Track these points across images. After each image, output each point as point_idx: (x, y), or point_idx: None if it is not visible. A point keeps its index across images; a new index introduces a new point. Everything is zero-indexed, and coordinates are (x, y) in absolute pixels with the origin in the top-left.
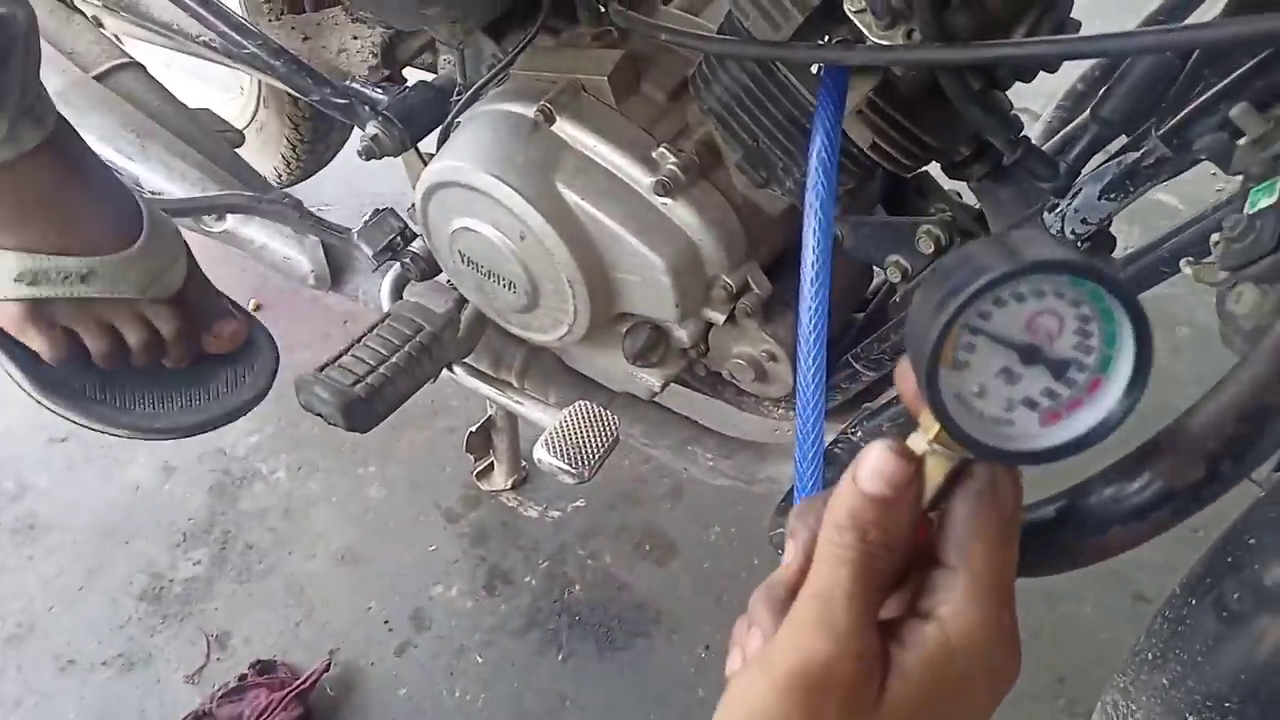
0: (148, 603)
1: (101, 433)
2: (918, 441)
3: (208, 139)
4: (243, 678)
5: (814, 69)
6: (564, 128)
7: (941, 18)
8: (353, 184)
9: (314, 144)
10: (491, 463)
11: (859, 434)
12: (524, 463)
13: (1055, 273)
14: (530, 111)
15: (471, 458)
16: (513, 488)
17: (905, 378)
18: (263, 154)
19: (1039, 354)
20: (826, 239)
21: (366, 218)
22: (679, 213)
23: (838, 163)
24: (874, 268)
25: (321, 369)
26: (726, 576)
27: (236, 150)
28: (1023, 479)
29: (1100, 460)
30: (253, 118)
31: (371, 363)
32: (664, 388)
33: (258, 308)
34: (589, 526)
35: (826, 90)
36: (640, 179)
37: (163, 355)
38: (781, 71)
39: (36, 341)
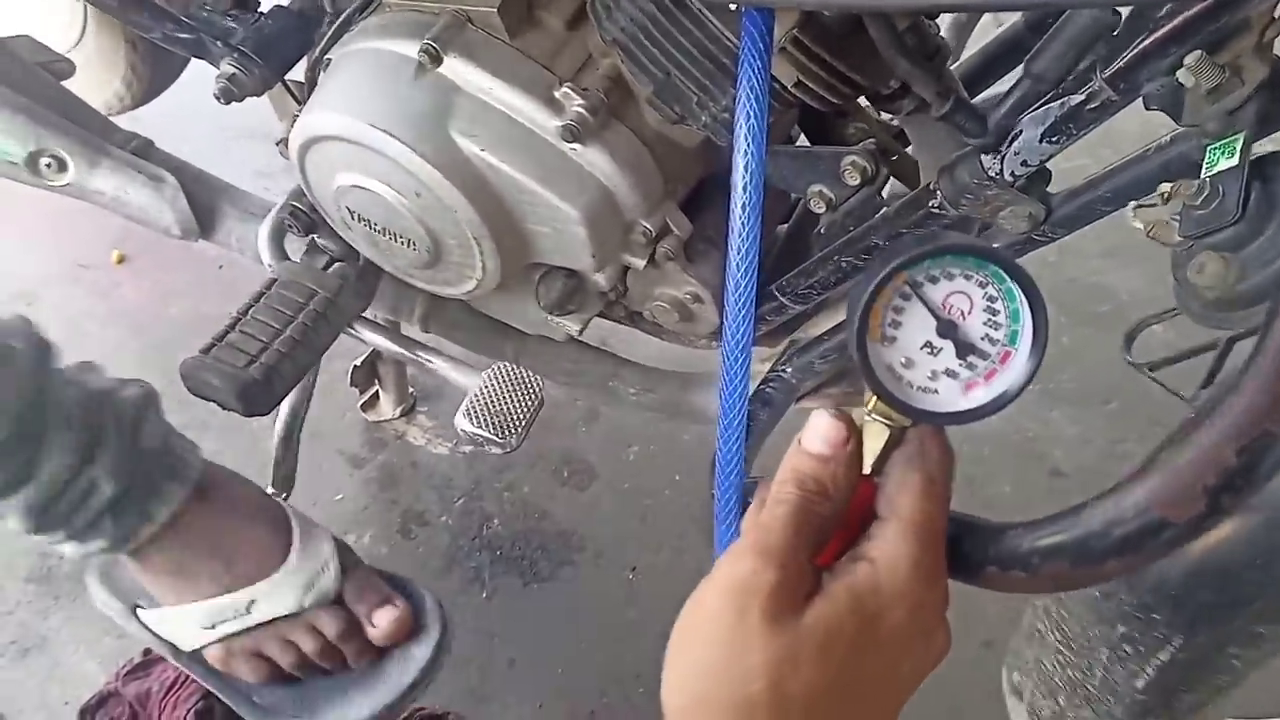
0: (36, 584)
1: None
2: (859, 413)
3: (31, 75)
4: (147, 652)
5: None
6: (453, 68)
7: None
8: (219, 119)
9: (160, 60)
10: (377, 392)
11: (789, 370)
12: (411, 389)
13: (962, 254)
14: (413, 51)
15: (358, 391)
16: (401, 415)
17: None
18: (97, 77)
19: (954, 329)
20: (756, 207)
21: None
22: (590, 158)
23: (767, 111)
24: None
25: (208, 349)
26: (649, 495)
27: (65, 83)
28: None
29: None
30: (82, 33)
31: (264, 339)
32: (582, 330)
33: (121, 259)
34: (503, 458)
35: (750, 33)
36: (545, 123)
37: (342, 657)
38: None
39: (243, 672)
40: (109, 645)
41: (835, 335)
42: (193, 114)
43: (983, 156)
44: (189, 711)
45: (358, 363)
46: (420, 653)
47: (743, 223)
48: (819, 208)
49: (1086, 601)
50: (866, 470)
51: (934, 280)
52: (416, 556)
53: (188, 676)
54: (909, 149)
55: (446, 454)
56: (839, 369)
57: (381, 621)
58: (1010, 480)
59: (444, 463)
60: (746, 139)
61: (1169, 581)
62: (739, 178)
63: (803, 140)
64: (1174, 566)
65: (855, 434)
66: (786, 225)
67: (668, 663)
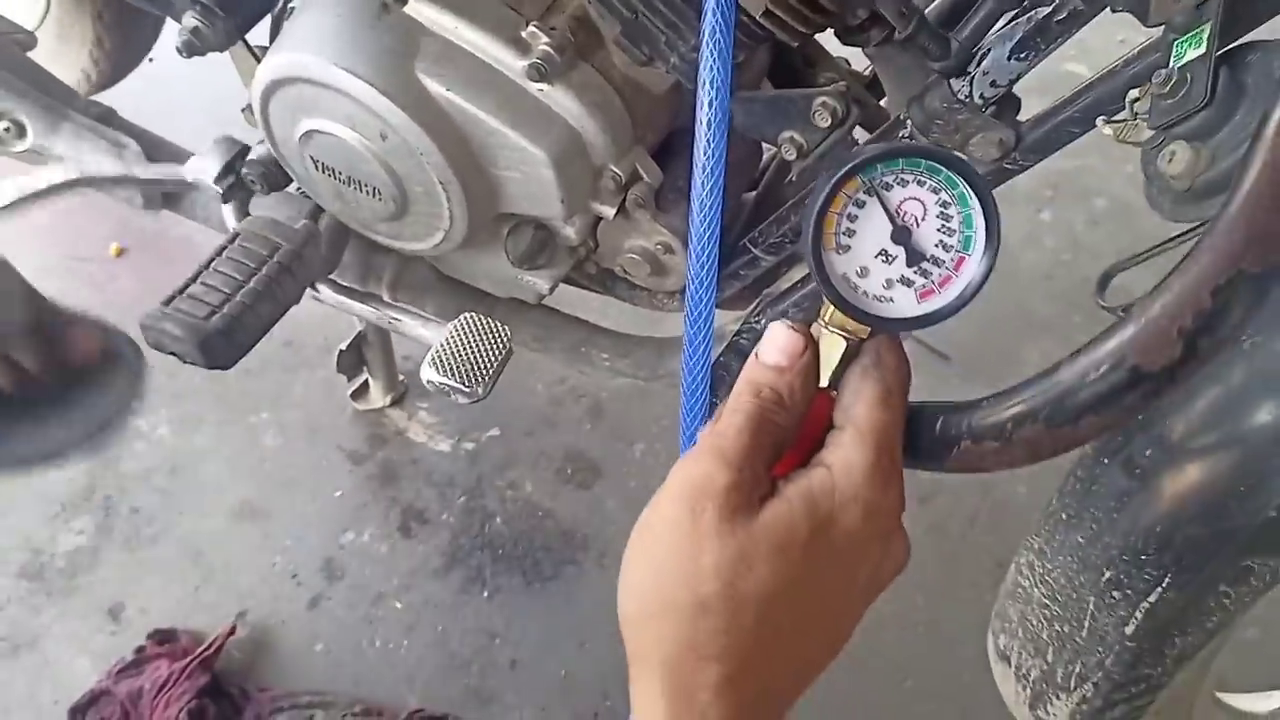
0: (28, 580)
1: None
2: (815, 325)
3: None
4: (140, 650)
5: None
6: (418, 8)
7: None
8: (216, 113)
9: (127, 35)
10: (366, 380)
11: (763, 322)
12: (401, 377)
13: (915, 158)
14: None
15: (345, 378)
16: (392, 404)
17: None
18: (64, 55)
19: (908, 235)
20: (721, 132)
21: (199, 156)
22: (557, 99)
23: (733, 40)
24: (763, 144)
25: (168, 302)
26: (654, 494)
27: (29, 54)
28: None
29: None
30: (46, 9)
31: (226, 290)
32: (553, 289)
33: (120, 252)
34: (506, 456)
35: None
36: (511, 63)
37: (29, 381)
38: None
39: None
40: (101, 643)
41: (808, 284)
42: (180, 109)
43: (951, 81)
44: (181, 710)
45: (343, 346)
46: (117, 387)
47: (708, 140)
48: (791, 154)
49: (1071, 548)
50: (824, 384)
51: (887, 187)
52: (417, 555)
53: (181, 674)
54: (881, 103)
55: (448, 451)
56: (811, 322)
57: (77, 338)
58: (1025, 481)
59: (445, 460)
60: (712, 63)
61: (1154, 518)
62: (704, 94)
63: None
64: (1159, 502)
65: (812, 345)
66: (755, 192)
67: (622, 570)
